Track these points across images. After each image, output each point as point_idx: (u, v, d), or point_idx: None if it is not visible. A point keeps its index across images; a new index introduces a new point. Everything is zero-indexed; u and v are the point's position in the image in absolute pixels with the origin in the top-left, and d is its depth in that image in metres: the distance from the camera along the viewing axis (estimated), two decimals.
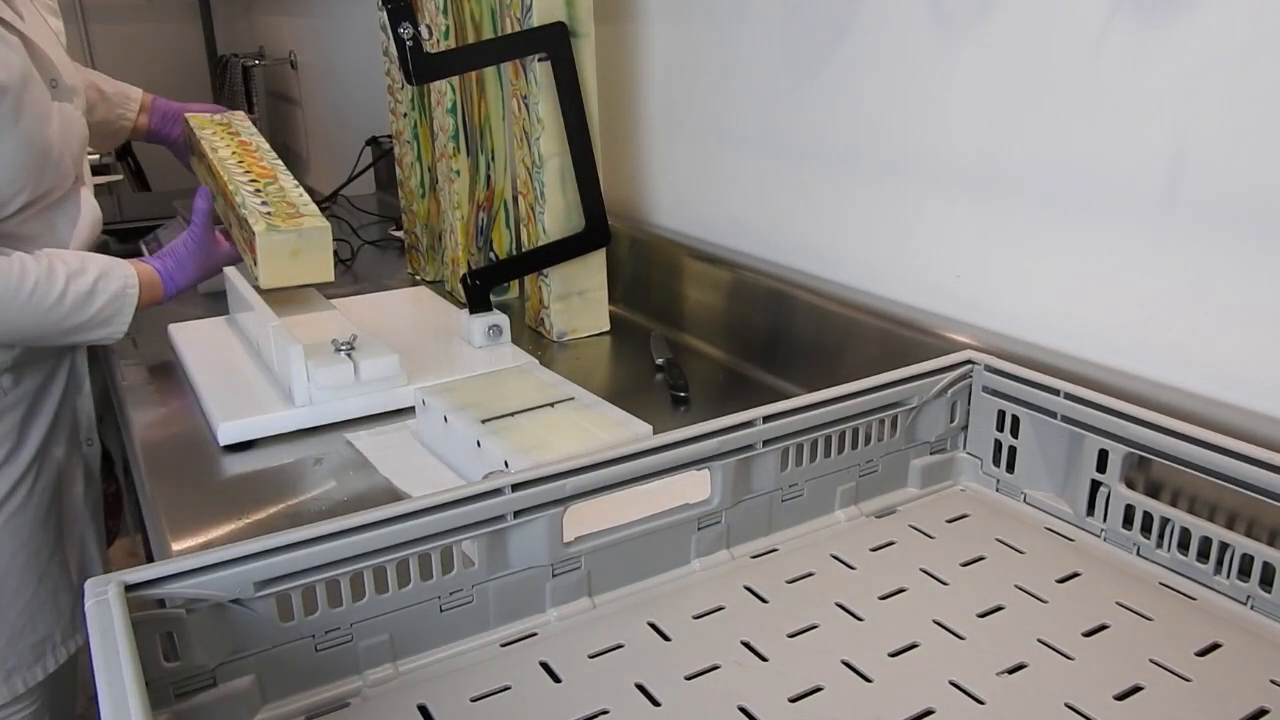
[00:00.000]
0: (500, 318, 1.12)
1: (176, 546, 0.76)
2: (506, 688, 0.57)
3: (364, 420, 0.96)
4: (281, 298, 1.11)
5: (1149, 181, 0.71)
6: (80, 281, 1.05)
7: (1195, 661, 0.57)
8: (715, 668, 0.58)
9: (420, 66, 1.03)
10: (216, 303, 1.32)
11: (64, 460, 1.19)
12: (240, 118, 1.35)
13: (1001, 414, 0.75)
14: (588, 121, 1.11)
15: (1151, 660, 0.57)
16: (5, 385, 1.11)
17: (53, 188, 1.07)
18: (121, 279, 1.08)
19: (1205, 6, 0.66)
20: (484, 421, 0.82)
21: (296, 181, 1.18)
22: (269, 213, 1.10)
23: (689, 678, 0.57)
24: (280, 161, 1.23)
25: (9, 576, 1.12)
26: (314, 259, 1.10)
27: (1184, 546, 0.65)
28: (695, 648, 0.60)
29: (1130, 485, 0.68)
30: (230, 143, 1.26)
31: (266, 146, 1.27)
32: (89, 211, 1.14)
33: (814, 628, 0.61)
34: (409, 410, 0.96)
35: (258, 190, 1.15)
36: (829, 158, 0.99)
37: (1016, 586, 0.65)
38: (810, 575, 0.67)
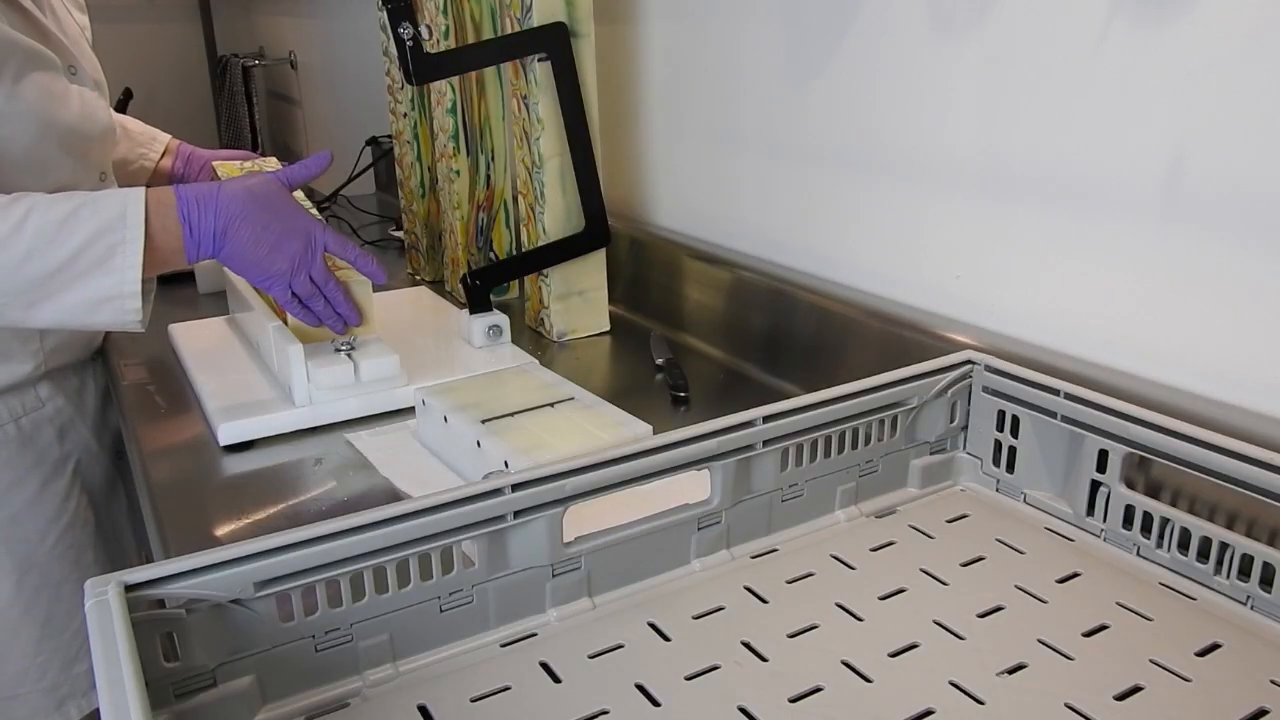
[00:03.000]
0: (500, 318, 1.12)
1: (176, 546, 0.76)
2: (506, 688, 0.57)
3: (364, 420, 0.96)
4: None
5: (1149, 181, 0.71)
6: (49, 211, 0.80)
7: (1195, 661, 0.57)
8: (715, 668, 0.58)
9: (420, 66, 1.03)
10: (216, 303, 1.32)
11: (106, 472, 1.16)
12: (272, 165, 1.30)
13: (1001, 414, 0.75)
14: (588, 121, 1.11)
15: (1151, 660, 0.57)
16: (42, 395, 1.07)
17: (72, 181, 0.97)
18: (118, 204, 0.83)
19: (1205, 6, 0.66)
20: (484, 421, 0.82)
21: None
22: None
23: (689, 678, 0.57)
24: (315, 211, 1.19)
25: (61, 601, 1.08)
26: None
27: (1184, 546, 0.65)
28: (695, 648, 0.60)
29: (1130, 485, 0.68)
30: None
31: (300, 195, 1.22)
32: None
33: (814, 628, 0.61)
34: (409, 410, 0.95)
35: None
36: (829, 158, 0.99)
37: (1016, 586, 0.65)
38: (810, 575, 0.67)
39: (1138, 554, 0.67)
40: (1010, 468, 0.75)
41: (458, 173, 1.27)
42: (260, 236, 0.89)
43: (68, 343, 1.09)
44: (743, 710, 0.54)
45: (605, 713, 0.54)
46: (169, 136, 1.31)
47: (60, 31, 1.00)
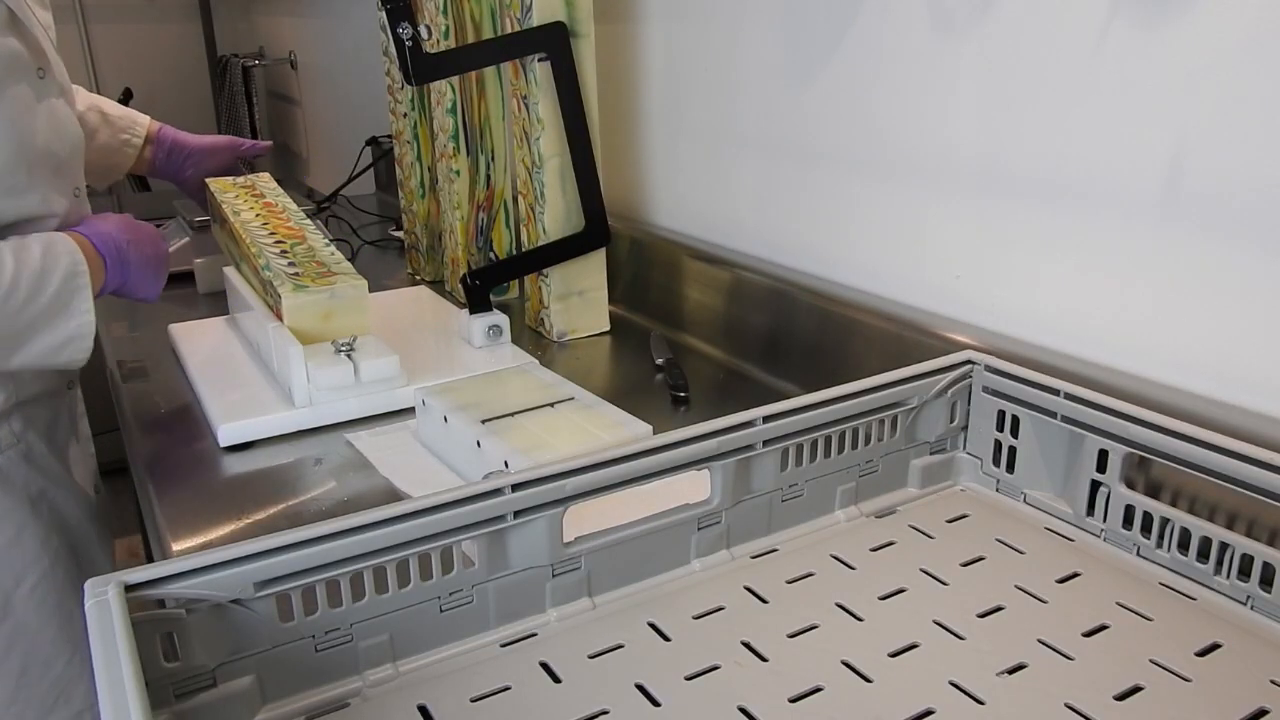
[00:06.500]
0: (500, 318, 1.12)
1: (176, 547, 0.76)
2: (506, 688, 0.57)
3: (364, 420, 0.96)
4: None
5: (1149, 181, 0.71)
6: (28, 258, 0.84)
7: (1195, 661, 0.57)
8: (715, 668, 0.58)
9: (420, 66, 1.03)
10: (216, 303, 1.32)
11: (86, 510, 1.08)
12: (265, 179, 1.30)
13: (1001, 414, 0.75)
14: (588, 121, 1.11)
15: (1151, 660, 0.57)
16: (15, 430, 0.98)
17: (47, 203, 0.91)
18: (68, 252, 0.89)
19: (1205, 6, 0.66)
20: (484, 421, 0.82)
21: (328, 239, 1.12)
22: (296, 274, 1.02)
23: (689, 678, 0.57)
24: (309, 221, 1.16)
25: (38, 649, 1.00)
26: (348, 320, 1.01)
27: (1184, 546, 0.65)
28: (695, 648, 0.60)
29: (1130, 485, 0.68)
30: (254, 205, 1.20)
31: (294, 207, 1.21)
32: None
33: (814, 628, 0.61)
34: (409, 410, 0.95)
35: (284, 251, 1.08)
36: (829, 158, 0.99)
37: (1016, 586, 0.65)
38: (810, 575, 0.67)
39: (1138, 554, 0.67)
40: (1010, 468, 0.76)
41: (458, 173, 1.27)
42: (147, 255, 0.99)
43: (38, 371, 1.01)
44: (743, 710, 0.54)
45: (605, 713, 0.54)
46: (148, 119, 1.25)
47: (32, 27, 0.91)
